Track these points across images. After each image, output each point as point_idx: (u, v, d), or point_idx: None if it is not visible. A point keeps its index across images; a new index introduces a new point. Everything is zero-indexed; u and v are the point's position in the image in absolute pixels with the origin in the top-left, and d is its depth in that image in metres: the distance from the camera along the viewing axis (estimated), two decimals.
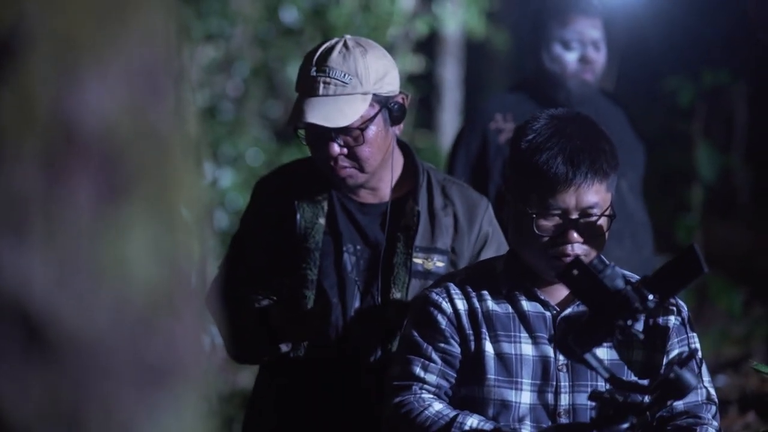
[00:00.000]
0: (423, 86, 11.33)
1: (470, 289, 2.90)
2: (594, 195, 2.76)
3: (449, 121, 11.66)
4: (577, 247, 2.77)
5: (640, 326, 2.83)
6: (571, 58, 4.49)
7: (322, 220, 3.25)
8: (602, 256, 2.70)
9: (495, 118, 4.58)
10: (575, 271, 2.63)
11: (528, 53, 4.69)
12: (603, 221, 2.79)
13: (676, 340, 2.90)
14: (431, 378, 2.86)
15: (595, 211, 2.77)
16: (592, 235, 2.78)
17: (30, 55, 1.05)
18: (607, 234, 2.81)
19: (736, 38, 10.87)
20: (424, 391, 2.85)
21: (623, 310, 2.60)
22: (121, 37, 1.05)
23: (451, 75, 11.75)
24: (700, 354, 2.91)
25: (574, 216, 2.76)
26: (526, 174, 2.80)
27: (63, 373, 1.05)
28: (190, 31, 8.98)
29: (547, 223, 2.78)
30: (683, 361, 2.68)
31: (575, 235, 2.76)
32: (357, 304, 3.23)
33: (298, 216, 3.24)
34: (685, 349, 2.89)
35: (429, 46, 11.41)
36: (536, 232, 2.78)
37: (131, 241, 1.06)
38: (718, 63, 9.38)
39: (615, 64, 12.68)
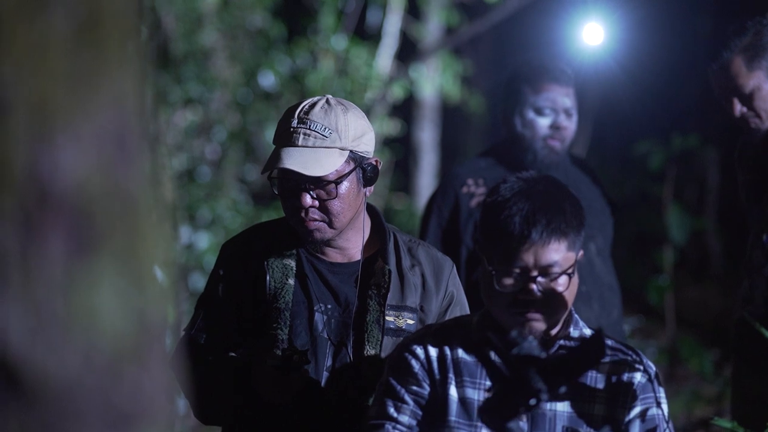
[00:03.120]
0: (399, 149, 11.44)
1: (444, 338, 2.99)
2: (554, 253, 2.83)
3: (426, 183, 11.73)
4: (538, 305, 2.85)
5: (612, 378, 2.94)
6: (543, 123, 4.59)
7: (291, 281, 3.30)
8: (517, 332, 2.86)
9: (467, 182, 4.68)
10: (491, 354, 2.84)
11: (501, 118, 4.79)
12: (563, 279, 2.87)
13: (640, 397, 2.96)
14: (404, 418, 2.94)
15: (555, 269, 2.84)
16: (553, 293, 2.86)
17: (7, 119, 1.12)
18: (571, 292, 2.89)
19: (708, 103, 11.02)
20: (396, 430, 2.93)
21: (528, 390, 2.80)
22: (92, 103, 1.13)
23: (427, 138, 11.84)
24: (665, 413, 2.99)
25: (534, 274, 2.84)
26: (489, 232, 2.89)
27: (36, 415, 1.12)
28: (168, 95, 9.06)
29: (509, 281, 2.85)
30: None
31: (535, 292, 2.84)
32: (329, 362, 3.28)
33: (268, 277, 3.29)
34: (651, 406, 2.96)
35: (405, 109, 11.52)
36: (497, 288, 2.86)
37: (100, 293, 1.14)
38: (691, 128, 9.52)
39: (589, 128, 12.82)
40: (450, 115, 12.78)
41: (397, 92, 10.34)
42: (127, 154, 1.14)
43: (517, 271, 2.84)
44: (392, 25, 10.67)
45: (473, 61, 12.42)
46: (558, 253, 2.84)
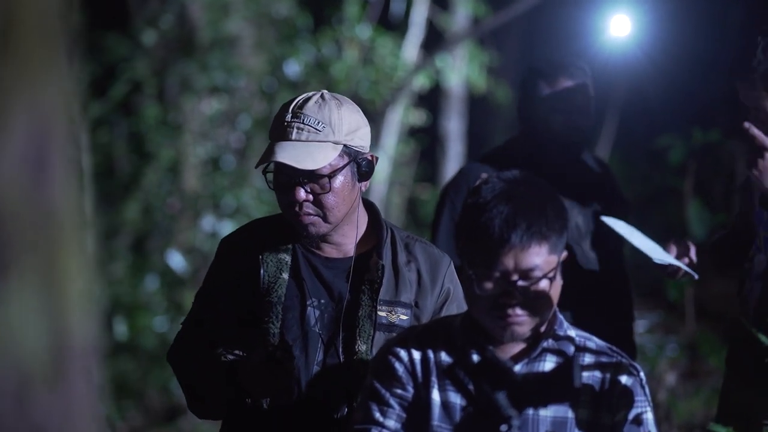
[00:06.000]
0: (424, 139, 11.40)
1: (427, 341, 2.95)
2: (534, 257, 2.76)
3: (453, 174, 11.68)
4: (519, 309, 2.79)
5: (596, 381, 2.90)
6: (557, 119, 4.57)
7: (285, 275, 3.30)
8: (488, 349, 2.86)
9: (480, 176, 4.65)
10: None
11: (517, 113, 4.77)
12: (545, 283, 2.80)
13: (630, 400, 2.91)
14: (390, 423, 2.91)
15: (536, 273, 2.77)
16: (534, 297, 2.79)
17: None
18: (554, 294, 2.83)
19: (736, 96, 10.90)
20: None
21: (499, 416, 2.79)
22: (8, 121, 1.10)
23: (454, 128, 11.81)
24: (649, 416, 2.94)
25: (514, 278, 2.76)
26: (468, 235, 2.82)
27: None
28: (193, 83, 9.07)
29: (489, 284, 2.79)
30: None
31: (516, 297, 2.79)
32: (320, 357, 3.28)
33: (262, 271, 3.29)
34: (644, 411, 2.91)
35: (431, 99, 11.48)
36: (478, 292, 2.82)
37: (17, 312, 1.12)
38: (720, 121, 9.44)
39: (615, 121, 12.74)
40: (477, 105, 12.72)
41: (422, 82, 10.31)
42: (46, 169, 1.12)
43: (497, 275, 2.77)
44: (418, 14, 10.63)
45: (500, 53, 12.36)
46: (539, 256, 2.77)
